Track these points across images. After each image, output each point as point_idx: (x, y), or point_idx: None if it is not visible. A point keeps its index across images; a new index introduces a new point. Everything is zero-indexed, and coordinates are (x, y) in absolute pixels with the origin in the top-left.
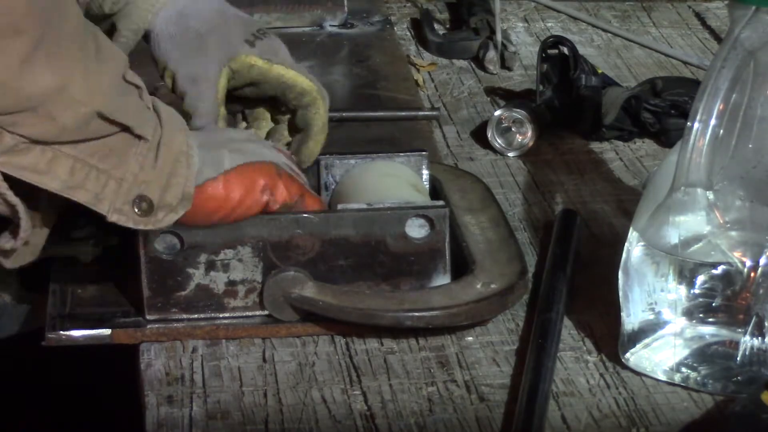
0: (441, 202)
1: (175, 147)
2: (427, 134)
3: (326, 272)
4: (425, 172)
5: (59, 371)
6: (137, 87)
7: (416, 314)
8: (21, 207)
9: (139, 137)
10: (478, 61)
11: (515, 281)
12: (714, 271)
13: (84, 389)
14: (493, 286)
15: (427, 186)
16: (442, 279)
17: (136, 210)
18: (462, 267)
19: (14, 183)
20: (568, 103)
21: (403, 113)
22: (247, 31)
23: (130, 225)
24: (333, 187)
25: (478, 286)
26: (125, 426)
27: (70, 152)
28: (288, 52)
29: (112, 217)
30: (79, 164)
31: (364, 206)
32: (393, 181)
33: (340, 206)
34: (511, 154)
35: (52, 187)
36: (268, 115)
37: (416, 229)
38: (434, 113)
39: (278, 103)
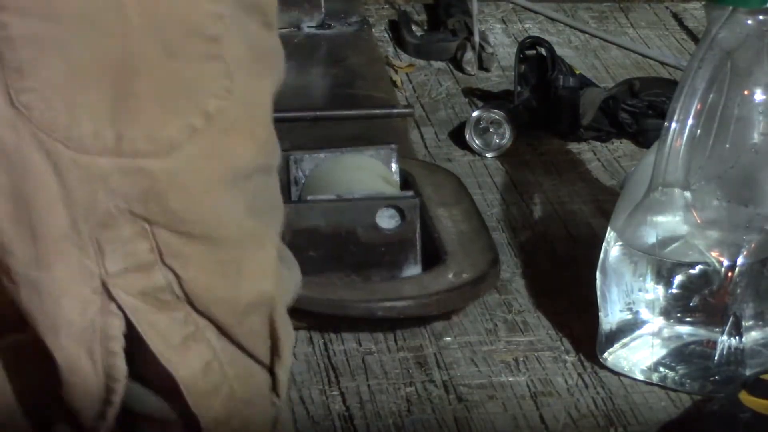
0: (411, 193)
1: None
2: (402, 132)
3: (297, 263)
4: (394, 166)
5: None
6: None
7: (387, 304)
8: (121, 386)
9: (274, 388)
10: (456, 62)
11: (487, 270)
12: (691, 271)
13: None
14: (464, 275)
15: (398, 179)
16: (413, 269)
17: None
18: (434, 259)
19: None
20: (546, 103)
21: (378, 111)
22: None
23: None
24: (303, 181)
25: (450, 275)
26: None
27: (213, 340)
28: None
29: None
30: (216, 364)
31: (334, 197)
32: (363, 174)
33: (309, 197)
34: (489, 155)
35: (179, 373)
36: None
37: (387, 220)
38: (408, 110)
39: None
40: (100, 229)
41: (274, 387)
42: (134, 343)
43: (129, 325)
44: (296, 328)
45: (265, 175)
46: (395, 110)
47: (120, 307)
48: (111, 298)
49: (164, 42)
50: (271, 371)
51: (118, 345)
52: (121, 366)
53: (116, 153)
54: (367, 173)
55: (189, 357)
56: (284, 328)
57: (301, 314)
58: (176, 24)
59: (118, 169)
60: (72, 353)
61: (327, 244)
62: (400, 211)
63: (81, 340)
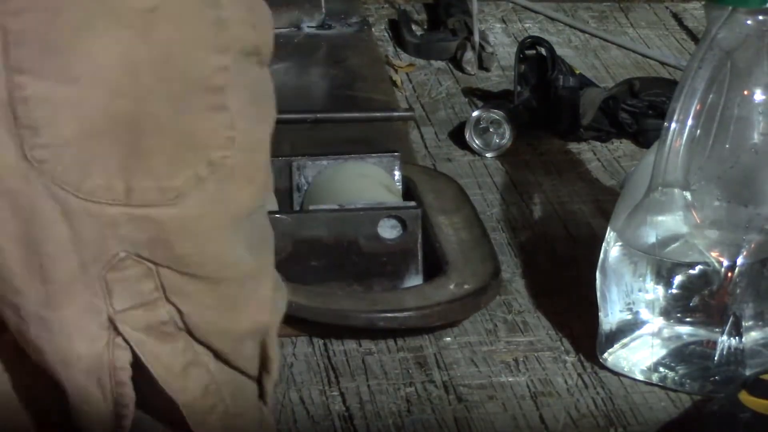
0: (413, 203)
1: None
2: (403, 135)
3: (298, 273)
4: (397, 173)
5: None
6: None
7: (389, 315)
8: (131, 410)
9: (261, 396)
10: (456, 62)
11: (488, 281)
12: (691, 271)
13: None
14: (466, 286)
15: (400, 187)
16: (415, 280)
17: None
18: (435, 267)
19: None
20: (546, 103)
21: (378, 114)
22: None
23: None
24: (305, 188)
25: (451, 286)
26: None
27: (210, 365)
28: None
29: None
30: (213, 387)
31: (336, 207)
32: (365, 182)
33: (311, 207)
34: (489, 155)
35: (180, 398)
36: None
37: (388, 230)
38: (409, 114)
39: None
40: (108, 271)
41: (261, 395)
42: (138, 374)
43: (134, 355)
44: (297, 336)
45: (260, 210)
46: (396, 114)
47: (126, 341)
48: (118, 332)
49: (173, 99)
50: (259, 381)
51: (126, 375)
52: (129, 393)
53: (126, 203)
54: (369, 181)
55: (189, 382)
56: (274, 348)
57: (303, 323)
58: (185, 80)
59: (128, 217)
60: (82, 384)
61: (329, 254)
62: (402, 222)
63: (90, 372)
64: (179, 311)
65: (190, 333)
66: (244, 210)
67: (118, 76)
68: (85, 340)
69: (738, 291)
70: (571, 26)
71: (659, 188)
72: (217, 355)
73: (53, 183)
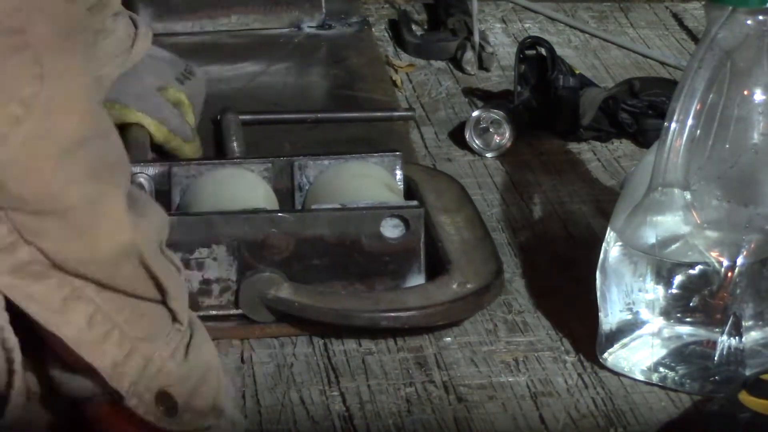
0: (416, 202)
1: (205, 355)
2: (404, 135)
3: (301, 272)
4: (399, 173)
5: None
6: (175, 265)
7: (392, 314)
8: (17, 353)
9: (175, 318)
10: (456, 62)
11: (491, 280)
12: (691, 271)
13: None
14: (468, 285)
15: (401, 186)
16: (417, 279)
17: (160, 407)
18: (437, 267)
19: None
20: (546, 103)
21: (378, 114)
22: (176, 70)
23: (150, 419)
24: (307, 188)
25: (454, 285)
26: None
27: (93, 295)
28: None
29: (131, 401)
30: (100, 316)
31: (338, 206)
32: (367, 182)
33: (314, 206)
34: (489, 155)
35: (63, 333)
36: None
37: (391, 229)
38: (409, 113)
39: None
40: None
41: (175, 318)
42: (23, 316)
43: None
44: (299, 335)
45: (101, 138)
46: (396, 113)
47: None
48: None
49: None
50: (166, 304)
51: (3, 319)
52: (10, 337)
53: None
54: (371, 181)
55: (70, 315)
56: (159, 267)
57: (305, 323)
58: None
59: None
60: None
61: (331, 253)
62: (405, 221)
63: None
64: (40, 250)
65: (60, 269)
66: (71, 140)
67: None
68: None
69: (738, 291)
70: (571, 26)
71: (659, 188)
72: (100, 284)
73: None
